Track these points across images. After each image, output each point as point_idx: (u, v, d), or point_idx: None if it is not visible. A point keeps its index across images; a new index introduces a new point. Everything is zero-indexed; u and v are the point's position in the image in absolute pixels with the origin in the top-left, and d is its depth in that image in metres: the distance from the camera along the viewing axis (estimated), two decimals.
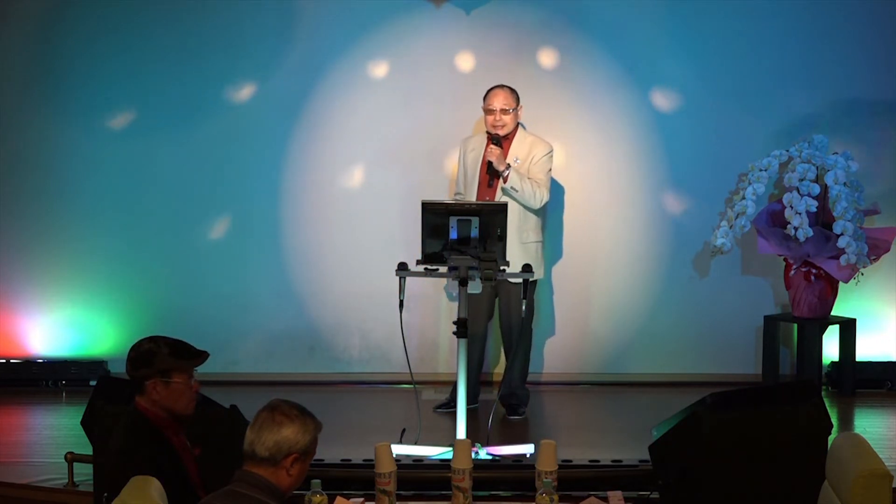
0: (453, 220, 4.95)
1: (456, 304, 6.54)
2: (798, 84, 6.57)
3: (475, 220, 4.94)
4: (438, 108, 6.58)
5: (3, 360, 6.74)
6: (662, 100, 6.60)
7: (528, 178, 5.67)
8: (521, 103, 5.80)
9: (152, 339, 3.59)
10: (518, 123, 5.83)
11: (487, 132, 5.80)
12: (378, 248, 6.58)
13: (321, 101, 6.64)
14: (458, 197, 5.87)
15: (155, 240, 6.67)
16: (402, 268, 5.20)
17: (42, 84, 6.66)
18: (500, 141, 5.70)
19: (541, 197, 5.70)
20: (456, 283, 4.98)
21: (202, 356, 3.62)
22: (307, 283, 6.71)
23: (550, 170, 5.83)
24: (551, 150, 5.82)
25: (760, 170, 6.26)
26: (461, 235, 4.95)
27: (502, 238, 5.01)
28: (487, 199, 5.68)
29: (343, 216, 6.68)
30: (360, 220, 6.67)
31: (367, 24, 6.59)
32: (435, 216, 5.01)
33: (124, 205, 6.67)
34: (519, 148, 5.77)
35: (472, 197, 5.76)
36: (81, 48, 6.61)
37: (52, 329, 6.76)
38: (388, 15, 6.59)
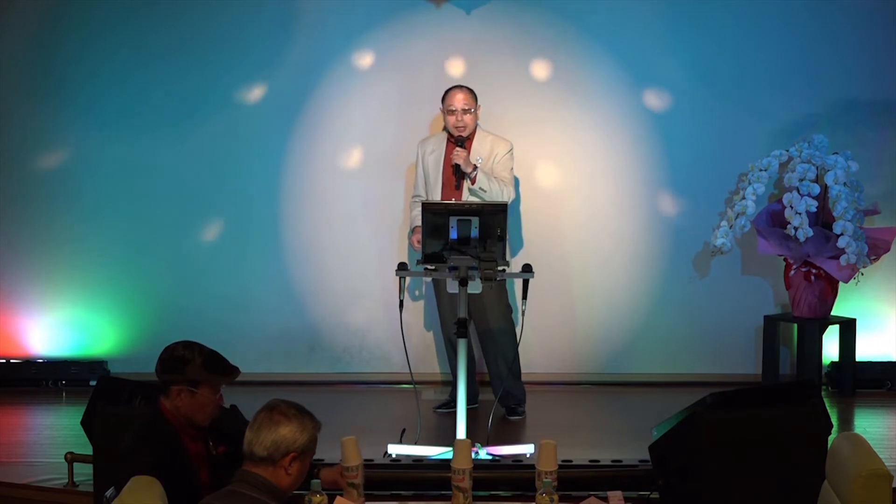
0: (453, 220, 4.95)
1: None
2: (798, 84, 6.57)
3: (475, 220, 4.94)
4: (438, 107, 6.57)
5: (3, 360, 6.74)
6: (662, 100, 6.60)
7: (494, 178, 5.67)
8: (479, 103, 5.81)
9: (188, 346, 3.56)
10: (477, 123, 5.83)
11: (447, 132, 5.80)
12: (378, 248, 6.59)
13: (321, 101, 6.64)
14: (416, 200, 5.85)
15: (155, 240, 6.68)
16: (402, 268, 5.19)
17: (42, 84, 6.66)
18: (463, 142, 5.69)
19: (508, 195, 5.69)
20: (455, 282, 4.98)
21: (234, 373, 3.60)
22: (307, 283, 6.71)
23: (513, 167, 5.83)
24: (512, 148, 5.82)
25: (760, 170, 6.26)
26: (461, 235, 4.95)
27: (502, 238, 5.01)
28: (454, 199, 5.66)
29: (343, 216, 6.68)
30: (360, 220, 6.67)
31: (368, 24, 6.59)
32: (435, 216, 5.00)
33: (124, 205, 6.67)
34: (480, 148, 5.76)
35: (435, 198, 5.73)
36: (81, 48, 6.62)
37: (52, 329, 6.76)
38: (389, 15, 6.59)
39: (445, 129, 5.83)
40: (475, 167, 5.61)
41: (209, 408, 3.55)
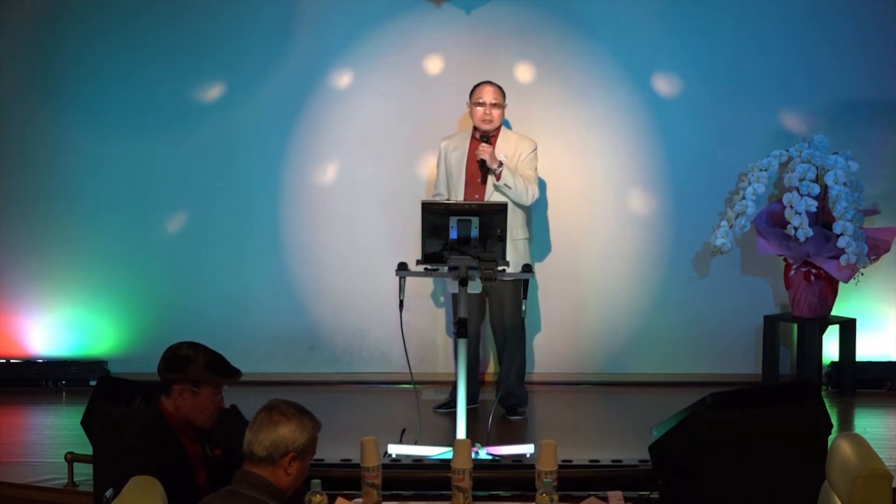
0: (453, 220, 4.95)
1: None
2: (798, 84, 6.57)
3: (475, 220, 4.94)
4: (439, 107, 6.58)
5: (3, 360, 6.74)
6: (662, 99, 6.60)
7: (519, 175, 5.67)
8: (506, 101, 5.80)
9: (192, 346, 3.58)
10: (503, 121, 5.83)
11: (475, 128, 5.79)
12: (378, 247, 6.59)
13: (321, 101, 6.64)
14: (437, 198, 5.83)
15: (155, 239, 6.68)
16: (402, 268, 5.19)
17: (42, 84, 6.66)
18: (489, 138, 5.68)
19: (532, 193, 5.69)
20: (455, 282, 4.97)
21: (236, 375, 3.61)
22: (307, 283, 6.71)
23: (537, 167, 5.82)
24: (536, 147, 5.82)
25: (760, 170, 6.26)
26: (461, 235, 4.95)
27: (502, 238, 5.01)
28: (477, 196, 5.66)
29: (343, 216, 6.68)
30: (360, 219, 6.67)
31: (367, 24, 6.59)
32: (435, 216, 5.00)
33: (124, 205, 6.67)
34: (504, 146, 5.76)
35: (458, 196, 5.72)
36: (81, 48, 6.62)
37: (52, 329, 6.76)
38: (388, 15, 6.59)
39: (474, 126, 5.80)
40: (500, 163, 5.61)
41: (210, 409, 3.55)
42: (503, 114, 5.79)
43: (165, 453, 3.43)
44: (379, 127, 6.66)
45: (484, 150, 5.61)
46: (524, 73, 6.59)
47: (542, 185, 6.03)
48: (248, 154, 6.67)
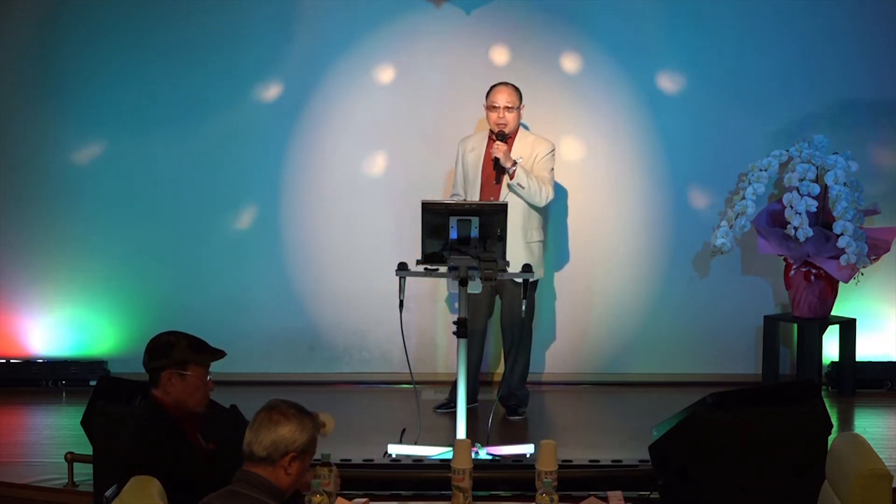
0: (453, 220, 4.95)
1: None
2: (798, 84, 6.57)
3: (475, 220, 4.94)
4: (438, 108, 6.58)
5: (3, 360, 6.74)
6: (662, 99, 6.60)
7: (534, 176, 5.66)
8: (523, 102, 5.79)
9: (172, 333, 3.64)
10: (520, 123, 5.82)
11: (490, 130, 5.78)
12: (378, 247, 6.58)
13: (321, 101, 6.64)
14: (455, 198, 5.84)
15: (155, 240, 6.68)
16: (402, 268, 5.19)
17: (42, 84, 6.66)
18: (504, 137, 5.67)
19: (546, 194, 5.69)
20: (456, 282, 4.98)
21: (219, 353, 3.66)
22: (307, 283, 6.71)
23: (553, 168, 5.82)
24: (553, 149, 5.81)
25: (760, 170, 6.26)
26: (461, 235, 4.95)
27: (502, 238, 5.01)
28: (492, 197, 5.65)
29: (343, 216, 6.68)
30: (360, 219, 6.67)
31: (368, 24, 6.59)
32: (435, 216, 5.00)
33: (124, 205, 6.67)
34: (521, 147, 5.75)
35: (473, 197, 5.72)
36: (81, 48, 6.61)
37: (52, 329, 6.76)
38: (389, 15, 6.59)
39: (491, 130, 5.80)
40: (514, 162, 5.60)
41: (200, 391, 3.59)
42: (519, 115, 5.76)
43: (170, 444, 3.45)
44: (379, 127, 6.66)
45: (498, 148, 5.59)
46: (524, 73, 6.57)
47: (562, 190, 6.01)
48: (247, 154, 6.67)
